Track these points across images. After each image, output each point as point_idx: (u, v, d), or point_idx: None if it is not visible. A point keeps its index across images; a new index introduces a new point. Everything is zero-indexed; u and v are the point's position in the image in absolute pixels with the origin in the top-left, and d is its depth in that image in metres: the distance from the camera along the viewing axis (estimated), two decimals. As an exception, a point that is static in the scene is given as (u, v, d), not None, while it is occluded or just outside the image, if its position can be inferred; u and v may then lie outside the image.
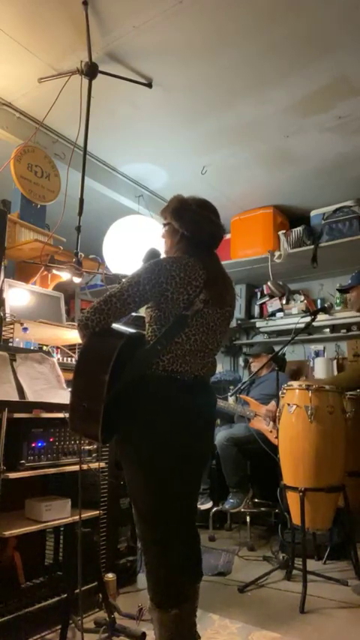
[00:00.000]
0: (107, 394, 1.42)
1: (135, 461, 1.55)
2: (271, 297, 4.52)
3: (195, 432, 1.59)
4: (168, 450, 1.51)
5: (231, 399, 4.00)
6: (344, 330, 4.18)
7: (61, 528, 2.31)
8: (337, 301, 4.18)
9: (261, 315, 4.66)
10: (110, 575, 2.25)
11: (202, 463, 1.74)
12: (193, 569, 1.61)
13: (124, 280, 1.57)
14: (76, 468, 2.01)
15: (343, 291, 3.43)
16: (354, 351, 4.15)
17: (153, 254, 1.68)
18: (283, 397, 2.69)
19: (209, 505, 3.46)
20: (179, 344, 1.54)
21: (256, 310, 4.71)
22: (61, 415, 2.04)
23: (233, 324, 4.54)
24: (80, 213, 2.60)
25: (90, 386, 1.46)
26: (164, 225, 1.76)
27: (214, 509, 3.45)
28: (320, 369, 4.22)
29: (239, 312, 4.63)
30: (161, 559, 1.51)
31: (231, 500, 3.32)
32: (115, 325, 1.58)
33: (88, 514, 2.16)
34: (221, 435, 3.44)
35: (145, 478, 1.53)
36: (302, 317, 3.57)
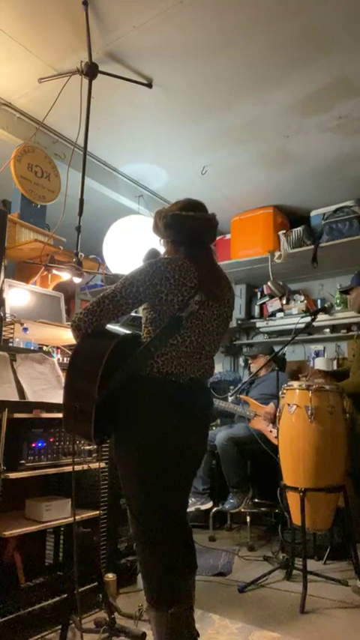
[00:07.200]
0: (99, 394, 1.41)
1: (128, 461, 1.55)
2: (272, 297, 4.52)
3: (189, 434, 1.58)
4: (161, 451, 1.50)
5: (231, 399, 4.00)
6: (344, 330, 4.18)
7: (61, 528, 2.30)
8: (337, 301, 4.18)
9: (261, 316, 4.65)
10: (110, 575, 2.26)
11: (196, 464, 1.72)
12: (187, 564, 1.60)
13: (118, 281, 1.56)
14: (76, 467, 2.01)
15: (344, 292, 3.44)
16: (354, 351, 4.14)
17: (153, 254, 1.68)
18: (283, 397, 2.69)
19: (209, 505, 3.46)
20: (174, 346, 1.54)
21: (257, 310, 4.71)
22: (61, 415, 2.03)
23: (233, 324, 4.54)
24: (80, 213, 2.60)
25: (82, 386, 1.46)
26: (160, 243, 1.77)
27: (214, 509, 3.45)
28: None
29: (239, 312, 4.63)
30: (155, 559, 1.51)
31: (231, 501, 3.32)
32: (109, 326, 1.57)
33: (88, 514, 2.16)
34: (221, 435, 3.44)
35: (138, 478, 1.53)
36: (302, 317, 3.57)
